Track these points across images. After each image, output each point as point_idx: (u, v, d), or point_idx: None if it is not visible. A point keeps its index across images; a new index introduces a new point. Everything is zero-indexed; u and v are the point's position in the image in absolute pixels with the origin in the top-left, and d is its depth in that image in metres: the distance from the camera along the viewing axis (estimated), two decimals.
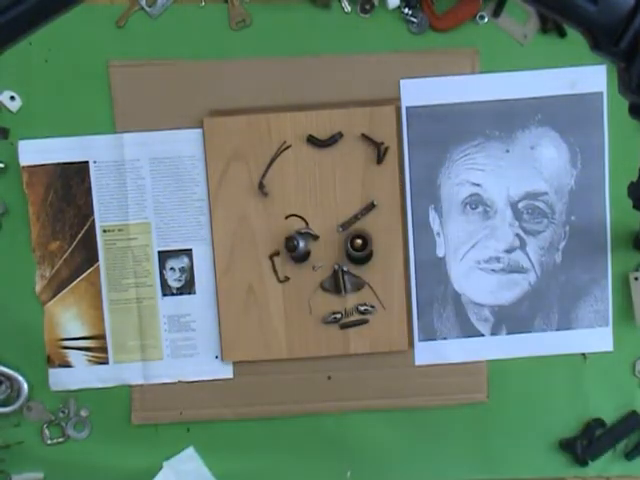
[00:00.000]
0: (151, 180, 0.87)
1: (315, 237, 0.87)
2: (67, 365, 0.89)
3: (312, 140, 0.86)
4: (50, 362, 0.89)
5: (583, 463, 0.91)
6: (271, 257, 0.87)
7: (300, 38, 0.87)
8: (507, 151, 0.88)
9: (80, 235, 0.87)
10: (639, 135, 0.87)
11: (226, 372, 0.89)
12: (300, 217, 0.87)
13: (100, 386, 0.89)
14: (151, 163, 0.87)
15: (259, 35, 0.87)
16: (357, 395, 0.90)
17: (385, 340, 0.89)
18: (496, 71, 0.87)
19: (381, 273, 0.88)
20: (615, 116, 0.87)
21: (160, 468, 0.84)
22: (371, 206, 0.87)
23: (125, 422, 0.90)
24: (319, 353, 0.88)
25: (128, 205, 0.87)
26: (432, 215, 0.89)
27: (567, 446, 0.91)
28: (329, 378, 0.90)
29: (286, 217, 0.87)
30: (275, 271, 0.87)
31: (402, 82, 0.87)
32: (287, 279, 0.87)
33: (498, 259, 0.89)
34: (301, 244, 0.85)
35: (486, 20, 0.88)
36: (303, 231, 0.86)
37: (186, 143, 0.87)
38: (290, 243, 0.84)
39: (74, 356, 0.89)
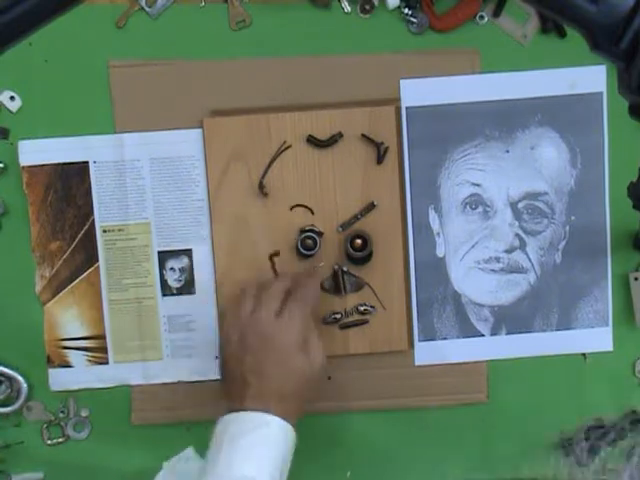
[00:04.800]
0: (151, 180, 0.87)
1: (320, 233, 0.86)
2: (67, 365, 0.89)
3: (312, 140, 0.86)
4: (50, 362, 0.89)
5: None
6: (271, 257, 0.87)
7: (300, 38, 0.87)
8: (507, 151, 0.88)
9: (80, 235, 0.87)
10: (639, 135, 0.87)
11: None
12: (306, 207, 0.86)
13: (100, 386, 0.89)
14: (151, 163, 0.87)
15: (259, 35, 0.87)
16: (357, 395, 0.90)
17: (385, 340, 0.89)
18: (496, 71, 0.88)
19: (381, 273, 0.88)
20: (615, 116, 0.88)
21: (160, 468, 0.84)
22: (371, 206, 0.87)
23: (125, 422, 0.90)
24: None
25: (128, 205, 0.87)
26: (432, 215, 0.89)
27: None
28: (329, 378, 0.90)
29: (291, 208, 0.87)
30: (275, 271, 0.87)
31: (402, 82, 0.87)
32: None
33: (498, 259, 0.89)
34: (317, 241, 0.85)
35: (486, 20, 0.88)
36: (307, 228, 0.86)
37: (186, 143, 0.87)
38: (308, 241, 0.84)
39: (74, 356, 0.89)
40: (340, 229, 0.87)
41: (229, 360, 0.78)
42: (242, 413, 0.74)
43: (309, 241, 0.85)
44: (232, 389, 0.78)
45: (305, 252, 0.85)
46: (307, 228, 0.86)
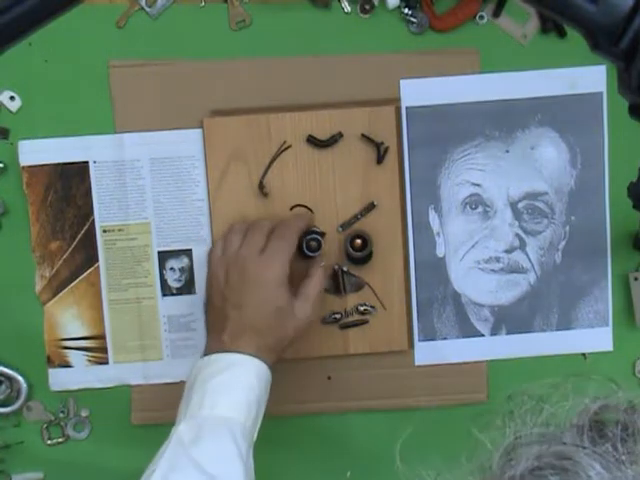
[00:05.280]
0: (151, 180, 0.87)
1: (323, 234, 0.86)
2: (67, 365, 0.89)
3: (312, 140, 0.86)
4: (50, 362, 0.89)
5: None
6: None
7: (300, 38, 0.87)
8: (507, 151, 0.88)
9: (80, 235, 0.87)
10: (639, 135, 0.87)
11: None
12: (306, 207, 0.86)
13: (100, 386, 0.89)
14: (151, 163, 0.87)
15: (259, 35, 0.87)
16: (357, 395, 0.90)
17: (385, 340, 0.89)
18: (496, 71, 0.88)
19: (381, 273, 0.88)
20: (615, 116, 0.87)
21: None
22: (371, 206, 0.87)
23: (125, 422, 0.90)
24: (319, 353, 0.88)
25: (128, 205, 0.87)
26: (432, 215, 0.89)
27: None
28: (329, 378, 0.90)
29: (291, 208, 0.87)
30: None
31: (402, 82, 0.87)
32: None
33: (498, 259, 0.89)
34: (321, 242, 0.85)
35: (486, 20, 0.88)
36: (311, 229, 0.86)
37: (186, 143, 0.87)
38: (313, 242, 0.84)
39: (74, 356, 0.89)
40: (340, 229, 0.87)
41: (214, 295, 0.81)
42: (213, 356, 0.77)
43: (314, 243, 0.85)
44: (214, 324, 0.80)
45: (310, 254, 0.85)
46: (311, 229, 0.86)
